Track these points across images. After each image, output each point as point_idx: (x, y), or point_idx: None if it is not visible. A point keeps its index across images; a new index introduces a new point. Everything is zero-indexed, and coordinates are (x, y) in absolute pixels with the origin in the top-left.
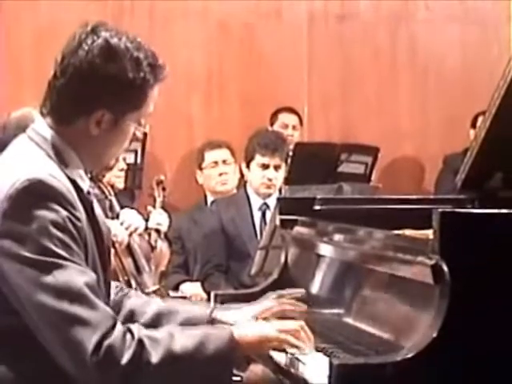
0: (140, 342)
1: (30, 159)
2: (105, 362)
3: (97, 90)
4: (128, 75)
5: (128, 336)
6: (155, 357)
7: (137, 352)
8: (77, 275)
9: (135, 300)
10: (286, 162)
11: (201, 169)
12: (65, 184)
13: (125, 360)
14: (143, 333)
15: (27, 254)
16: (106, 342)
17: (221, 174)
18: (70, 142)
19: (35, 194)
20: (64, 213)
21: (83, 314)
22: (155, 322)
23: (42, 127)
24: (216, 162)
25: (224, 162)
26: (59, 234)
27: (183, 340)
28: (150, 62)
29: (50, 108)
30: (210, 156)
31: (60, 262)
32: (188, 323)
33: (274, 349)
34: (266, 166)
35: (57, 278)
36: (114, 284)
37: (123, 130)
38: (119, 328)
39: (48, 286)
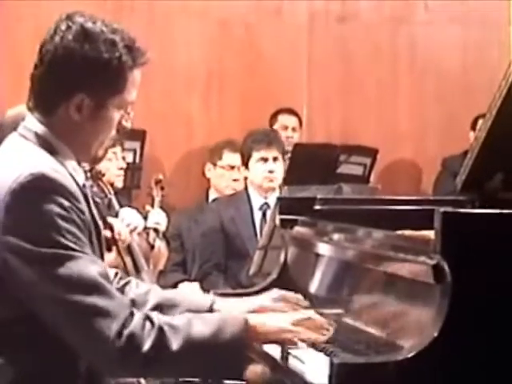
0: (160, 329)
1: (29, 154)
2: (126, 349)
3: (73, 73)
4: (103, 56)
5: (148, 323)
6: (175, 344)
7: (158, 339)
8: (89, 265)
9: (137, 289)
10: (283, 155)
11: (214, 164)
12: (66, 177)
13: (146, 347)
14: (163, 320)
15: (36, 249)
16: (127, 330)
17: (234, 180)
18: (58, 134)
19: (39, 188)
20: (69, 205)
21: (101, 304)
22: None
23: (31, 123)
24: (233, 167)
25: (239, 168)
26: (67, 225)
27: (201, 327)
28: (126, 43)
29: (34, 101)
30: (230, 158)
31: (70, 253)
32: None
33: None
34: (264, 160)
35: (69, 269)
36: (113, 271)
37: (106, 117)
38: (138, 315)
39: (62, 279)
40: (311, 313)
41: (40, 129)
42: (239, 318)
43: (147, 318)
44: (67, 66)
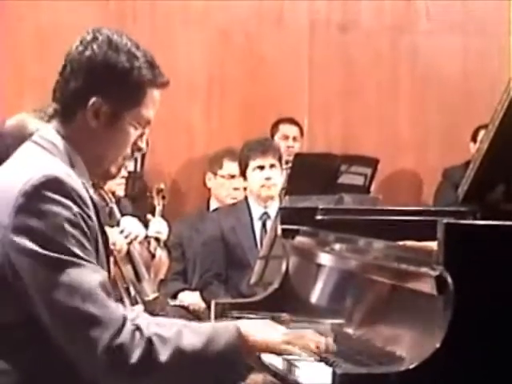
0: (149, 340)
1: (43, 159)
2: (114, 360)
3: (92, 76)
4: (124, 64)
5: (137, 334)
6: (164, 355)
7: (146, 351)
8: (90, 274)
9: None
10: (280, 161)
11: (214, 173)
12: (78, 182)
13: (134, 359)
14: (152, 330)
15: (42, 251)
16: (117, 341)
17: (235, 189)
18: (74, 145)
19: (51, 190)
20: (78, 210)
21: (95, 312)
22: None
23: (48, 133)
24: (233, 176)
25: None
26: (74, 231)
27: (192, 337)
28: (147, 59)
29: (54, 108)
30: (230, 167)
31: (74, 260)
32: None
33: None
34: (261, 168)
35: (70, 276)
36: None
37: (122, 129)
38: (128, 326)
39: (61, 284)
40: (309, 331)
41: (58, 139)
42: (231, 326)
43: (137, 328)
44: (87, 69)
